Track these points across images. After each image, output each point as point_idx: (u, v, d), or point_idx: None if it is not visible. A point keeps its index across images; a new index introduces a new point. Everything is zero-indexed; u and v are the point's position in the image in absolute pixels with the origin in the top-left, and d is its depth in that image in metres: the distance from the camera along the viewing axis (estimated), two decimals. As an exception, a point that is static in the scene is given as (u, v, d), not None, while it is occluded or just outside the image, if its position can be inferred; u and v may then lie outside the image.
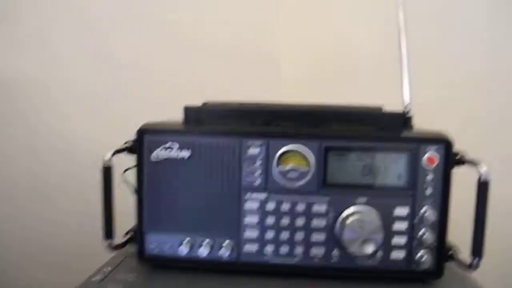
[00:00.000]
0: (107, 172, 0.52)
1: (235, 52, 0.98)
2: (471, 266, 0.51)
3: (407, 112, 0.61)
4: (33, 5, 0.92)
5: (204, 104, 0.59)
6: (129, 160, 0.55)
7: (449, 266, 0.55)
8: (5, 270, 0.89)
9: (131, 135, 0.54)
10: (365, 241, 0.51)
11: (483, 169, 0.49)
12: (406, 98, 0.61)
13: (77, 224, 0.93)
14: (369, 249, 0.51)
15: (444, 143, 0.52)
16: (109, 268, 0.57)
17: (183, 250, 0.54)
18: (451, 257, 0.54)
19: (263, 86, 0.98)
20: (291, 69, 1.00)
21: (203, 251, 0.54)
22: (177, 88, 0.94)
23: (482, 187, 0.49)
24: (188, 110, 0.57)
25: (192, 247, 0.54)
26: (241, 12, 0.98)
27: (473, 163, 0.50)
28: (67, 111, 0.96)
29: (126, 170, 0.56)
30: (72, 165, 0.95)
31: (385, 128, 0.55)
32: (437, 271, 0.53)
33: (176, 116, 0.58)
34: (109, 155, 0.52)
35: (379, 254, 0.53)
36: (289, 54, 1.00)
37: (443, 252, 0.53)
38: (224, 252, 0.54)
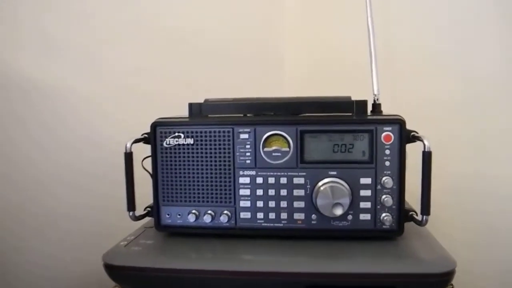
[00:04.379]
0: (129, 157, 0.66)
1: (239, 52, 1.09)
2: (421, 223, 0.63)
3: (376, 100, 0.73)
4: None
5: (205, 100, 0.72)
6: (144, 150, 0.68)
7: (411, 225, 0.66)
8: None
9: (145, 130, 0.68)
10: (334, 205, 0.63)
11: (426, 143, 0.61)
12: (375, 88, 0.73)
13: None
14: (338, 211, 0.63)
15: (398, 124, 0.64)
16: (133, 237, 0.71)
17: (191, 219, 0.67)
18: (410, 218, 0.65)
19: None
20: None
21: (207, 219, 0.67)
22: (182, 87, 1.06)
23: (426, 157, 0.61)
24: (192, 106, 0.70)
25: (198, 217, 0.67)
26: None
27: (419, 138, 0.62)
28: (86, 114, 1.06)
29: (144, 158, 0.69)
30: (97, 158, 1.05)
31: (355, 113, 0.67)
32: (398, 229, 0.65)
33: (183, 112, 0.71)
34: (129, 144, 0.66)
35: (350, 216, 0.65)
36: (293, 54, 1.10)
37: (402, 213, 0.65)
38: (224, 219, 0.67)
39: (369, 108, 0.72)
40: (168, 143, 0.67)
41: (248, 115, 0.69)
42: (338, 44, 1.17)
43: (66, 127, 0.99)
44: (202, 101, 0.71)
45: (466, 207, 0.97)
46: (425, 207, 0.62)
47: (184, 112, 0.72)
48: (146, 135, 0.68)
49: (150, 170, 0.68)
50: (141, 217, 0.68)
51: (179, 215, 0.68)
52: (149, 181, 0.69)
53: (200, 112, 0.70)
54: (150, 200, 0.69)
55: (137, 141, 0.67)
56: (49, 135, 0.97)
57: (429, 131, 0.64)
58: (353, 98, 0.69)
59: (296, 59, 1.24)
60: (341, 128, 0.64)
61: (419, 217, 0.63)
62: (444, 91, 0.99)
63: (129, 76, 1.07)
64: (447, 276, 0.58)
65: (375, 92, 0.73)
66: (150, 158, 0.68)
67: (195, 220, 0.67)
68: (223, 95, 0.74)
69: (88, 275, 0.94)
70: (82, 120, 1.01)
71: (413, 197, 0.68)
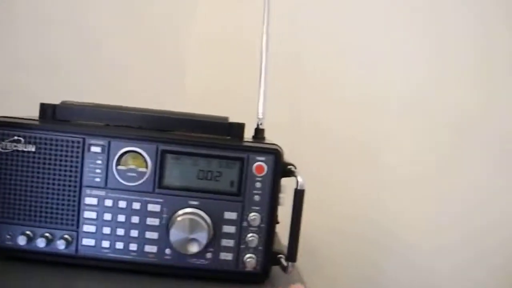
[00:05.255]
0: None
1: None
2: (286, 270, 0.55)
3: (259, 125, 0.65)
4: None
5: (62, 102, 0.61)
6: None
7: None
8: None
9: None
10: (190, 241, 0.54)
11: (300, 179, 0.54)
12: (260, 111, 0.65)
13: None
14: (193, 248, 0.54)
15: (273, 154, 0.56)
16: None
17: (22, 240, 0.56)
18: (278, 262, 0.58)
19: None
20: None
21: (41, 243, 0.56)
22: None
23: (298, 195, 0.54)
24: (44, 106, 0.59)
25: (31, 238, 0.56)
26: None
27: (293, 173, 0.55)
28: None
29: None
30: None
31: (231, 137, 0.59)
32: (263, 273, 0.57)
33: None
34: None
35: (209, 254, 0.56)
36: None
37: (269, 255, 0.57)
38: (61, 245, 0.56)
39: (251, 133, 0.64)
40: (4, 147, 0.55)
41: (107, 125, 0.58)
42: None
43: None
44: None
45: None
46: (292, 253, 0.54)
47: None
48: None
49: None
50: (-41, 234, 0.56)
51: (10, 235, 0.56)
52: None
53: (53, 115, 0.59)
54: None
55: (-34, 141, 0.55)
56: None
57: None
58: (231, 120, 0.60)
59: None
60: (208, 153, 0.56)
61: (284, 263, 0.55)
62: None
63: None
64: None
65: (259, 116, 0.65)
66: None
67: (26, 243, 0.56)
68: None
69: None
70: None
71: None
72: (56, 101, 0.61)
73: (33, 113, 0.60)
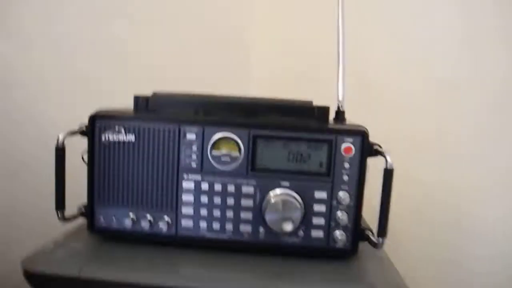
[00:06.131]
0: (60, 152, 0.59)
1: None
2: (377, 246, 0.57)
3: (340, 107, 0.67)
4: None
5: (153, 94, 0.65)
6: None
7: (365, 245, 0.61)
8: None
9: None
10: (284, 220, 0.57)
11: (389, 159, 0.56)
12: (340, 95, 0.67)
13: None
14: (288, 227, 0.57)
15: (360, 135, 0.58)
16: (62, 238, 0.64)
17: (128, 224, 0.61)
18: (365, 237, 0.60)
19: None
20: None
21: (145, 225, 0.61)
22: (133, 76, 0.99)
23: (387, 175, 0.56)
24: (138, 99, 0.63)
25: (135, 222, 0.61)
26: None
27: (381, 153, 0.57)
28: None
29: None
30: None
31: (316, 120, 0.61)
32: (352, 249, 0.60)
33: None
34: (61, 137, 0.59)
35: (301, 232, 0.59)
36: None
37: (357, 232, 0.59)
38: (164, 227, 0.60)
39: (332, 115, 0.66)
40: (107, 138, 0.60)
41: (199, 113, 0.62)
42: (307, 43, 1.10)
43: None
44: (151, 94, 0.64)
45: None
46: (382, 229, 0.56)
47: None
48: (83, 127, 0.60)
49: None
50: (72, 218, 0.61)
51: (115, 218, 0.61)
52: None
53: (146, 106, 0.63)
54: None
55: (72, 133, 0.60)
56: None
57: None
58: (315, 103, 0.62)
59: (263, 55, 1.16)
60: (298, 136, 0.58)
61: (375, 239, 0.58)
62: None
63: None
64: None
65: (340, 99, 0.67)
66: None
67: (132, 225, 0.61)
68: (178, 88, 0.67)
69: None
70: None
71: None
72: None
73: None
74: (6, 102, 0.96)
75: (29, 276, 0.56)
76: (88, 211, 0.62)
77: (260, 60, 1.09)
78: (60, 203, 0.60)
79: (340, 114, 0.66)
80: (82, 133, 0.61)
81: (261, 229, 0.60)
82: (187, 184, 0.60)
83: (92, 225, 0.62)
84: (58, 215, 0.60)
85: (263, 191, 0.59)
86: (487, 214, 0.98)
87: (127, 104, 0.64)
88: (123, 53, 1.03)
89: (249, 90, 1.05)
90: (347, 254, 0.60)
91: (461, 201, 1.00)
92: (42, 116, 0.98)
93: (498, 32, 0.95)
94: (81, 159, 0.62)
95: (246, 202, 0.59)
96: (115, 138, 0.60)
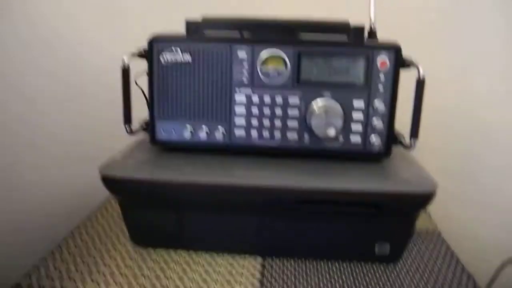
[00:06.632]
0: (126, 71, 0.66)
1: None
2: (410, 146, 0.66)
3: (373, 27, 0.73)
4: None
5: (203, 18, 0.71)
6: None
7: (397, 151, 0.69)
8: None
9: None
10: (328, 126, 0.65)
11: (421, 70, 0.63)
12: (372, 15, 0.73)
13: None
14: (331, 132, 0.65)
15: (394, 50, 0.65)
16: (128, 150, 0.72)
17: (186, 134, 0.69)
18: (398, 141, 0.68)
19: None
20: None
21: (202, 136, 0.69)
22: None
23: (420, 84, 0.63)
24: (189, 24, 0.70)
25: (194, 133, 0.69)
26: None
27: (414, 64, 0.64)
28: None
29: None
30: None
31: (353, 37, 0.68)
32: (386, 151, 0.68)
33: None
34: (126, 58, 0.66)
35: (341, 138, 0.68)
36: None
37: (391, 137, 0.68)
38: (219, 136, 0.69)
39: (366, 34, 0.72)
40: (165, 58, 0.67)
41: (246, 34, 0.68)
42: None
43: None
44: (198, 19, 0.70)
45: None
46: (415, 130, 0.64)
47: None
48: (143, 50, 0.67)
49: (144, 88, 0.69)
50: (136, 131, 0.69)
51: (175, 130, 0.69)
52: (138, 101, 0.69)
53: (197, 30, 0.69)
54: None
55: (134, 55, 0.67)
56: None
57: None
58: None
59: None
60: (338, 51, 0.65)
61: (406, 142, 0.66)
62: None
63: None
64: (428, 196, 0.62)
65: (372, 19, 0.73)
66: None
67: (191, 136, 0.69)
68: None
69: (82, 188, 0.96)
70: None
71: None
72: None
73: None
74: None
75: (107, 180, 0.65)
76: (150, 126, 0.70)
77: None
78: (127, 118, 0.68)
79: (372, 34, 0.73)
80: (141, 55, 0.68)
81: (306, 136, 0.68)
82: (239, 97, 0.67)
83: (153, 138, 0.70)
84: (126, 129, 0.68)
85: (307, 101, 0.66)
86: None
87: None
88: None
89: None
90: (381, 156, 0.69)
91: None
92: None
93: None
94: (135, 83, 0.69)
95: (293, 112, 0.67)
96: (172, 58, 0.67)
